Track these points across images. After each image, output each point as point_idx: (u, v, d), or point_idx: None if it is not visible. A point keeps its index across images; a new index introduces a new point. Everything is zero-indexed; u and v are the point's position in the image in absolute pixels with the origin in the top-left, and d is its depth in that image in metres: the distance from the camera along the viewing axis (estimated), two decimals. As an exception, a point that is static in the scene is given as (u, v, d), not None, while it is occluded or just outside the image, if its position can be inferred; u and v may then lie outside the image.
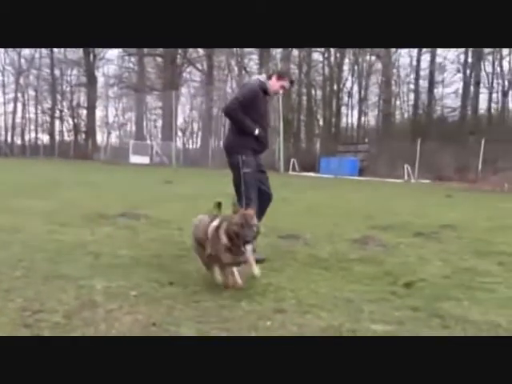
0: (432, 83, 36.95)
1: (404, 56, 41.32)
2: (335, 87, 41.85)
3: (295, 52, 40.90)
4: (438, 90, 37.95)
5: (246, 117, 5.14)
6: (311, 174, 28.98)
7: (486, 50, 33.44)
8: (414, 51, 37.60)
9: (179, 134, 46.12)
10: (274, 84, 5.34)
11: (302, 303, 3.85)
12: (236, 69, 44.11)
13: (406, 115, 40.54)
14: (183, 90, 46.91)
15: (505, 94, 34.64)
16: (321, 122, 42.81)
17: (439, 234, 7.39)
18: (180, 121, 46.58)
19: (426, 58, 37.56)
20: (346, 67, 42.13)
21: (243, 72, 42.40)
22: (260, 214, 5.15)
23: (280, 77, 5.36)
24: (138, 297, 3.78)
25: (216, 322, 3.33)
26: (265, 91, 5.32)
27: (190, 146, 48.85)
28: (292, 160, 30.75)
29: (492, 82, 35.28)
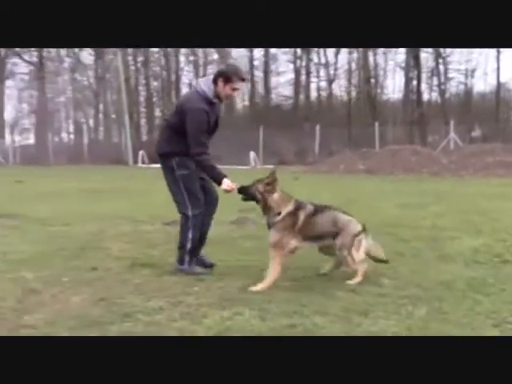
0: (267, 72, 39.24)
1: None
2: (173, 78, 42.37)
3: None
4: (272, 80, 40.41)
5: (215, 166, 4.52)
6: (160, 165, 29.16)
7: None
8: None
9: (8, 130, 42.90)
10: (222, 89, 4.45)
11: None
12: (67, 60, 42.21)
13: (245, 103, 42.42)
14: (9, 82, 43.56)
15: (330, 83, 38.17)
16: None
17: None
18: (10, 116, 43.41)
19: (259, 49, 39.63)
20: (182, 58, 42.77)
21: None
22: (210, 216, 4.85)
23: (228, 80, 4.42)
24: (72, 281, 4.19)
25: (156, 291, 3.93)
26: (212, 102, 4.50)
27: (24, 143, 45.60)
28: (140, 152, 30.68)
29: (319, 72, 38.56)
